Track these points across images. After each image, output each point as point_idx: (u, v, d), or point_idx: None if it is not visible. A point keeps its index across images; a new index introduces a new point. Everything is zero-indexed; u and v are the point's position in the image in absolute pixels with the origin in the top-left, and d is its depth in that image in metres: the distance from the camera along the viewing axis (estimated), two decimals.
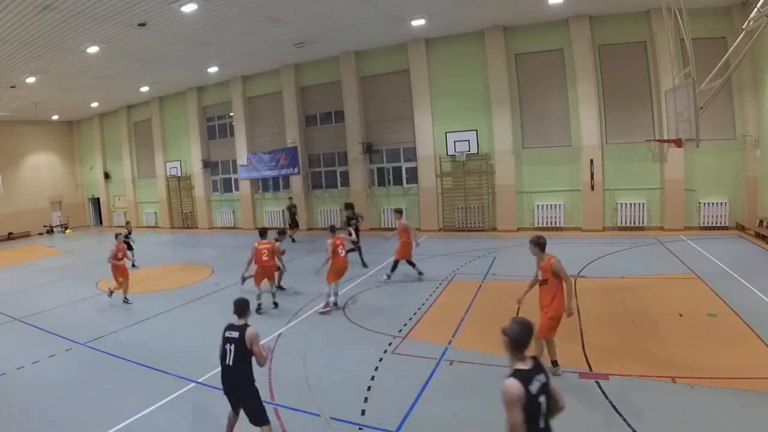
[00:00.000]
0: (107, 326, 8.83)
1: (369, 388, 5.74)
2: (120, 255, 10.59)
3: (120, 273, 10.55)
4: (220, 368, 4.53)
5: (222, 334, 4.52)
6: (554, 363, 5.69)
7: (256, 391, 4.50)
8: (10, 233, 25.43)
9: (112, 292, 10.62)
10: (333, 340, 7.61)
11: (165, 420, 5.33)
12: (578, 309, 8.18)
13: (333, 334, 7.87)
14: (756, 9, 7.31)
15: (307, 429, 5.02)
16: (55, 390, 6.30)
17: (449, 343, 7.05)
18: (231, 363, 4.38)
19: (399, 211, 11.84)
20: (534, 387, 2.80)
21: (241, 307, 4.60)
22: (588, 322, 7.50)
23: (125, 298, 10.57)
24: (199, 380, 6.24)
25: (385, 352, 6.87)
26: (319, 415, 5.23)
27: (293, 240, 17.44)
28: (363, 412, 5.21)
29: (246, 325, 4.47)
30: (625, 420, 4.70)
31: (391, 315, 8.53)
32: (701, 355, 6.05)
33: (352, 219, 13.47)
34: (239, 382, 4.42)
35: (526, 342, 2.93)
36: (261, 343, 4.51)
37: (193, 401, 5.77)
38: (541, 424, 2.83)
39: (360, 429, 4.91)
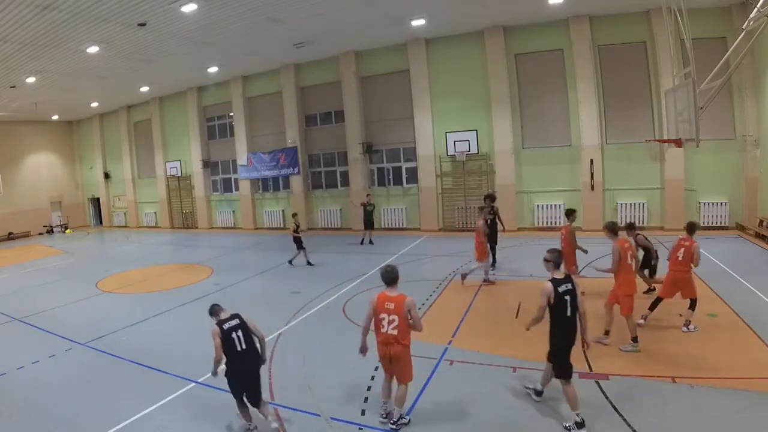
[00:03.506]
0: (107, 326, 8.83)
1: (369, 388, 5.74)
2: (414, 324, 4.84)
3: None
4: (232, 364, 4.72)
5: (219, 332, 4.70)
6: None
7: None
8: (10, 233, 25.43)
9: None
10: (333, 339, 7.60)
11: (165, 420, 5.33)
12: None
13: (333, 334, 7.87)
14: (756, 9, 7.30)
15: (307, 429, 5.02)
16: (55, 390, 6.31)
17: (449, 343, 7.06)
18: (245, 346, 4.71)
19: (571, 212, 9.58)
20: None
21: (214, 309, 5.00)
22: (588, 322, 7.47)
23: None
24: (199, 380, 6.23)
25: None
26: (319, 415, 5.23)
27: (363, 242, 16.09)
28: (363, 412, 5.21)
29: (238, 314, 4.91)
30: (625, 420, 4.70)
31: None
32: (701, 355, 6.05)
33: (490, 212, 11.79)
34: (255, 361, 4.84)
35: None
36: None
37: (193, 401, 5.76)
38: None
39: (360, 429, 4.91)
